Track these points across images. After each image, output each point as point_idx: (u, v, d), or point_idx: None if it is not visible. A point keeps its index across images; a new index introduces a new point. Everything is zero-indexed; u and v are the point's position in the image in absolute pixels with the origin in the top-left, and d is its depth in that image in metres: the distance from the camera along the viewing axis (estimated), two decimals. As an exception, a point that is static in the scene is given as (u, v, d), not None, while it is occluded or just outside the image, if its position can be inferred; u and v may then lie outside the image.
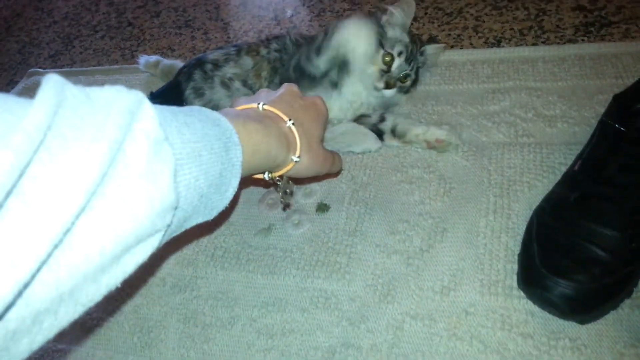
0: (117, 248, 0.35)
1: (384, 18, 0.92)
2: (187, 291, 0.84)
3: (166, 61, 1.25)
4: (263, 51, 0.98)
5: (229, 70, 0.97)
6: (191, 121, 0.46)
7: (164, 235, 0.41)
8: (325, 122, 0.71)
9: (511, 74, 0.98)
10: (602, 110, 0.79)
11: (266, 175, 0.63)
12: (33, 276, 0.30)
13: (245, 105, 0.62)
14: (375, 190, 0.88)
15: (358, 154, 0.93)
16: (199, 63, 0.99)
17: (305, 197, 0.90)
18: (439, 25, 1.16)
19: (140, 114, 0.37)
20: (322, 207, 0.88)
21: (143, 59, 1.26)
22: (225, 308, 0.80)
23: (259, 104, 0.62)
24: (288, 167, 0.63)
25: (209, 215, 0.51)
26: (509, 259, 0.73)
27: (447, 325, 0.69)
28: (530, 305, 0.68)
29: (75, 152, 0.32)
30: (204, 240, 0.89)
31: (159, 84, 1.17)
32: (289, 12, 1.36)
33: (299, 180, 0.84)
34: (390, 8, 0.92)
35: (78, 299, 0.35)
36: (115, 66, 1.39)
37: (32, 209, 0.30)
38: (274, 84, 0.96)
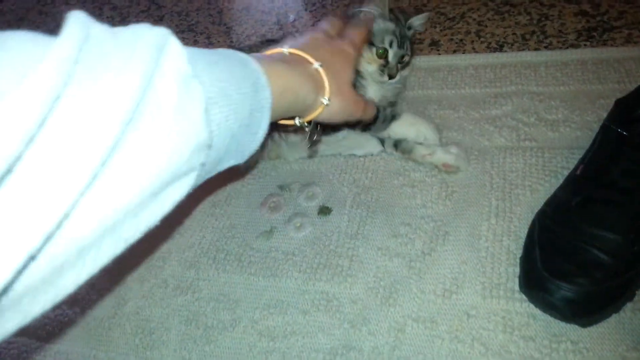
0: (154, 184, 0.35)
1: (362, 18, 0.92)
2: (189, 293, 0.84)
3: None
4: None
5: None
6: (218, 60, 0.45)
7: (198, 175, 0.41)
8: (354, 65, 0.68)
9: (513, 78, 0.98)
10: (605, 114, 0.79)
11: (297, 121, 0.60)
12: (73, 208, 0.30)
13: (272, 50, 0.60)
14: (377, 194, 0.88)
15: (360, 157, 0.93)
16: None
17: (307, 200, 0.90)
18: (441, 30, 1.17)
19: (168, 50, 0.37)
20: (324, 210, 0.88)
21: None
22: (227, 310, 0.80)
23: (284, 48, 0.60)
24: (318, 111, 0.60)
25: (242, 157, 0.50)
26: (510, 262, 0.73)
27: (449, 328, 0.69)
28: (532, 308, 0.68)
29: (105, 83, 0.32)
30: (206, 243, 0.90)
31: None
32: (291, 17, 1.37)
33: (333, 126, 0.83)
34: (364, 9, 0.90)
35: (120, 233, 0.35)
36: (119, 69, 1.39)
37: (69, 140, 0.30)
38: None
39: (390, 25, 0.89)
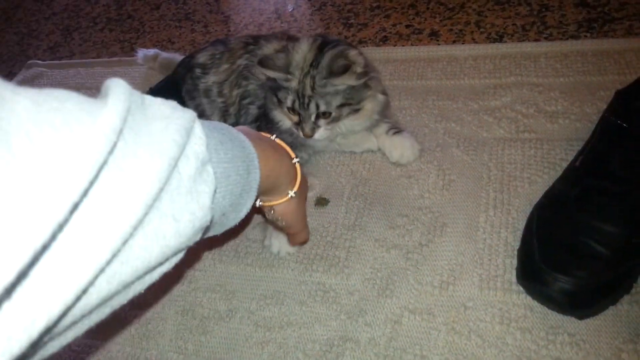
0: (158, 260, 0.37)
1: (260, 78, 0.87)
2: (185, 283, 0.84)
3: (165, 54, 1.24)
4: (238, 60, 0.94)
5: (211, 78, 0.96)
6: (224, 140, 0.48)
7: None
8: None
9: (513, 69, 0.97)
10: (604, 106, 0.79)
11: (257, 203, 0.63)
12: (90, 283, 0.32)
13: (264, 133, 0.64)
14: (375, 185, 0.87)
15: (359, 153, 0.93)
16: (189, 67, 0.98)
17: (304, 191, 0.89)
18: (440, 20, 1.16)
19: (193, 135, 0.39)
20: (321, 201, 0.87)
21: (141, 53, 1.25)
22: (223, 300, 0.79)
23: (273, 135, 0.64)
24: (283, 200, 0.63)
25: (219, 231, 0.53)
26: (508, 253, 0.73)
27: (446, 320, 0.69)
28: (529, 300, 0.68)
29: (138, 163, 0.34)
30: (203, 233, 0.89)
31: (157, 78, 1.17)
32: (290, 7, 1.36)
33: (272, 223, 0.76)
34: (255, 71, 0.87)
35: (112, 302, 0.37)
36: (115, 58, 1.38)
37: (98, 216, 0.31)
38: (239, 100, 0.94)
39: (292, 83, 0.80)
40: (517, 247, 0.72)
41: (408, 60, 1.07)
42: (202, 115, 0.96)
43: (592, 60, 0.94)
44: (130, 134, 0.34)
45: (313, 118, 0.81)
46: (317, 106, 0.80)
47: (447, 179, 0.84)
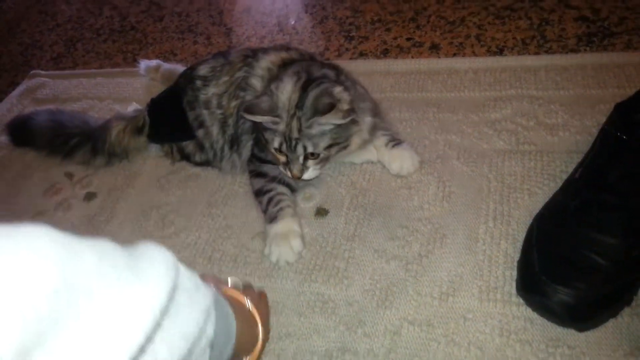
0: None
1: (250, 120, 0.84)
2: (183, 293, 0.83)
3: (167, 65, 1.25)
4: (237, 73, 0.94)
5: (211, 90, 0.96)
6: (220, 316, 0.48)
7: None
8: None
9: (513, 82, 0.98)
10: (604, 119, 0.79)
11: None
12: None
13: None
14: (375, 196, 0.87)
15: (359, 164, 0.93)
16: (190, 79, 0.98)
17: (304, 202, 0.89)
18: (441, 34, 1.16)
19: (210, 316, 0.42)
20: (321, 212, 0.87)
21: (143, 64, 1.26)
22: (222, 311, 0.79)
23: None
24: (258, 347, 0.62)
25: None
26: (508, 265, 0.72)
27: (445, 331, 0.68)
28: (529, 312, 0.67)
29: (170, 341, 0.36)
30: (202, 243, 0.89)
31: (159, 89, 1.17)
32: (292, 20, 1.37)
33: None
34: (243, 114, 0.83)
35: None
36: (117, 69, 1.39)
37: None
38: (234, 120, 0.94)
39: (279, 126, 0.79)
40: (517, 259, 0.72)
41: (409, 73, 1.08)
42: (201, 125, 0.96)
43: (592, 73, 0.95)
44: (173, 309, 0.37)
45: (301, 160, 0.80)
46: (305, 148, 0.79)
47: (447, 190, 0.84)
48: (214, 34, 1.42)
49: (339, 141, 0.81)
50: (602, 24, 1.05)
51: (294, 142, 0.79)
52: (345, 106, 0.78)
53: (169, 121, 1.00)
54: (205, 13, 1.51)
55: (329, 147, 0.80)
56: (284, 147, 0.80)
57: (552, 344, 0.64)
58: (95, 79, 1.35)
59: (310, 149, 0.79)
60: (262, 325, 0.63)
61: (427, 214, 0.82)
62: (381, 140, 0.89)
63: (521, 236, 0.74)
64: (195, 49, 1.38)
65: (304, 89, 0.79)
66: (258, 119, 0.80)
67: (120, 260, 0.34)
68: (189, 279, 0.42)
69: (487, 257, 0.74)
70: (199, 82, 0.97)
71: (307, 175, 0.82)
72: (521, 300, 0.68)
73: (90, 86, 1.33)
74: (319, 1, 1.39)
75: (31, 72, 1.45)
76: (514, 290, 0.69)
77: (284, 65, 0.89)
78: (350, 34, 1.25)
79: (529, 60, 1.01)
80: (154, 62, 1.26)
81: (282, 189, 0.87)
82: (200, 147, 0.98)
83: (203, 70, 0.98)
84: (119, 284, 0.33)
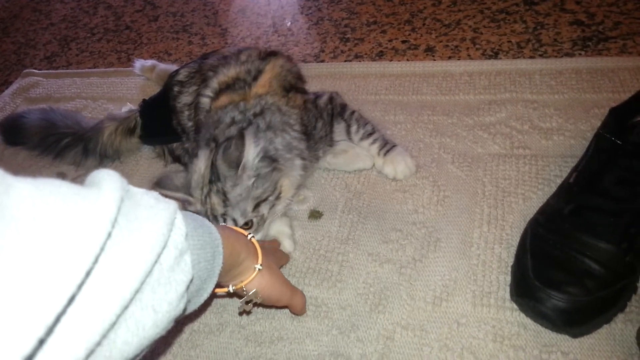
0: (135, 354, 0.38)
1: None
2: (175, 296, 0.82)
3: (162, 65, 1.24)
4: (196, 87, 0.93)
5: (183, 99, 0.95)
6: (197, 226, 0.49)
7: None
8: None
9: (508, 85, 0.98)
10: (599, 123, 0.79)
11: (231, 288, 0.62)
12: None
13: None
14: (369, 199, 0.87)
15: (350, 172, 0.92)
16: (171, 85, 0.98)
17: (298, 204, 0.89)
18: (436, 36, 1.16)
19: (174, 225, 0.41)
20: (315, 214, 0.87)
21: (138, 63, 1.25)
22: (214, 314, 0.78)
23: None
24: (251, 277, 0.62)
25: (180, 316, 0.52)
26: (502, 270, 0.72)
27: (438, 336, 0.68)
28: (522, 318, 0.67)
29: (128, 254, 0.35)
30: (195, 245, 0.88)
31: (154, 88, 1.17)
32: (287, 22, 1.36)
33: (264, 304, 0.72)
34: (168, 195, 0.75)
35: None
36: (111, 69, 1.38)
37: (90, 303, 0.32)
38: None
39: (197, 207, 0.76)
40: (511, 264, 0.72)
41: (404, 75, 1.07)
42: (183, 131, 0.95)
43: (587, 77, 0.95)
44: (123, 223, 0.36)
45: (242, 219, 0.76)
46: (235, 221, 0.75)
47: (441, 194, 0.84)
48: (209, 35, 1.41)
49: (267, 195, 0.76)
50: (597, 29, 1.05)
51: (221, 220, 0.75)
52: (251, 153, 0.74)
53: (160, 123, 0.99)
54: (200, 13, 1.51)
55: (257, 206, 0.76)
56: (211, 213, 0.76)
57: (545, 349, 0.64)
58: (89, 79, 1.34)
59: (241, 221, 0.75)
60: (264, 260, 0.64)
61: (421, 218, 0.82)
62: (373, 149, 0.89)
63: (515, 241, 0.74)
64: (190, 49, 1.37)
65: (215, 160, 0.74)
66: (170, 195, 0.74)
67: (64, 188, 0.34)
68: (144, 194, 0.41)
69: (481, 262, 0.74)
70: (176, 89, 0.96)
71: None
72: (515, 306, 0.68)
73: (84, 86, 1.32)
74: (315, 2, 1.39)
75: (24, 71, 1.44)
76: (507, 295, 0.69)
77: (227, 87, 0.87)
78: (346, 36, 1.25)
79: (524, 64, 1.01)
80: (149, 62, 1.25)
81: None
82: (187, 151, 0.98)
83: (181, 75, 0.97)
84: (60, 206, 0.32)
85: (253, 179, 0.75)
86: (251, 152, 0.73)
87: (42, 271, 0.29)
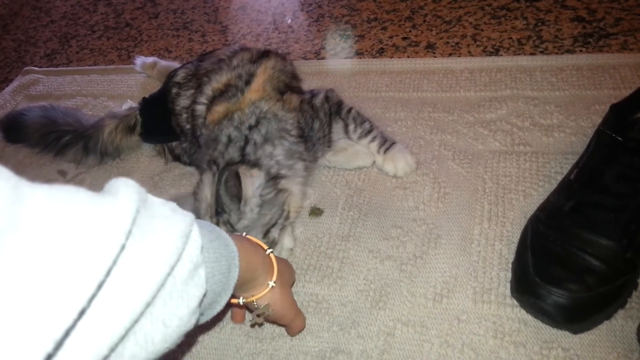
0: None
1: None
2: (176, 293, 0.82)
3: (163, 62, 1.24)
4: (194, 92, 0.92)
5: (182, 101, 0.94)
6: (213, 238, 0.48)
7: None
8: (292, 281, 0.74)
9: (509, 82, 0.98)
10: (599, 120, 0.79)
11: (241, 300, 0.63)
12: None
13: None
14: (370, 196, 0.87)
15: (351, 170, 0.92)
16: (170, 86, 0.97)
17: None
18: (437, 33, 1.16)
19: (190, 238, 0.41)
20: (316, 211, 0.87)
21: (139, 60, 1.25)
22: (215, 311, 0.78)
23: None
24: (264, 292, 0.63)
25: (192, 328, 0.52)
26: (502, 266, 0.72)
27: (439, 333, 0.68)
28: (523, 314, 0.67)
29: (141, 266, 0.35)
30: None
31: (154, 86, 1.17)
32: (288, 19, 1.36)
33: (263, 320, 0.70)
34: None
35: None
36: (111, 66, 1.38)
37: (96, 318, 0.32)
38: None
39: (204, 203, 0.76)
40: (512, 260, 0.72)
41: (404, 72, 1.07)
42: (182, 132, 0.95)
43: (588, 74, 0.94)
44: (138, 234, 0.35)
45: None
46: (233, 222, 0.74)
47: (442, 191, 0.84)
48: (209, 32, 1.41)
49: (275, 219, 0.77)
50: (598, 25, 1.05)
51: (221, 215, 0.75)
52: (255, 181, 0.75)
53: (160, 122, 0.99)
54: (201, 10, 1.51)
55: (267, 232, 0.76)
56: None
57: (546, 345, 0.64)
58: (89, 76, 1.34)
59: (259, 235, 0.75)
60: (278, 277, 0.64)
61: (422, 215, 0.82)
62: (373, 146, 0.89)
63: (516, 237, 0.74)
64: (191, 47, 1.37)
65: (218, 191, 0.74)
66: None
67: (78, 197, 0.34)
68: (161, 204, 0.41)
69: (481, 259, 0.74)
70: (174, 90, 0.95)
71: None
72: (515, 302, 0.68)
73: (85, 83, 1.32)
74: (315, -1, 1.39)
75: (25, 68, 1.44)
76: (508, 292, 0.69)
77: (220, 94, 0.86)
78: (346, 33, 1.25)
79: (525, 61, 1.01)
80: (150, 59, 1.25)
81: None
82: (186, 150, 0.97)
83: (179, 76, 0.97)
84: (74, 217, 0.32)
85: (258, 208, 0.75)
86: (249, 188, 0.74)
87: (54, 284, 0.29)
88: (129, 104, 1.15)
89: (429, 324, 0.69)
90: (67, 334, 0.30)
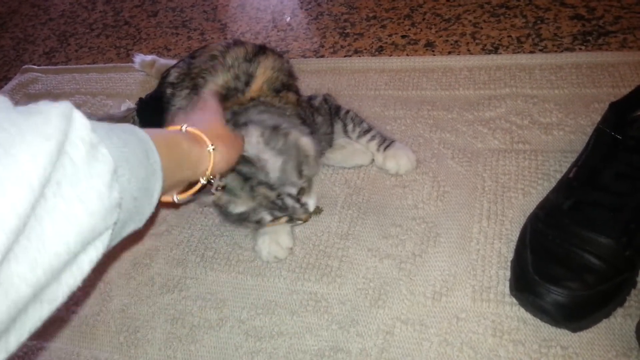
0: (78, 243, 0.38)
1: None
2: (175, 291, 0.83)
3: (162, 61, 1.24)
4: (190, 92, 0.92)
5: (177, 102, 0.93)
6: (113, 128, 0.48)
7: (111, 234, 0.43)
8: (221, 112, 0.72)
9: (508, 80, 0.97)
10: (598, 118, 0.78)
11: (202, 179, 0.62)
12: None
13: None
14: (369, 194, 0.87)
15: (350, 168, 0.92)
16: (164, 86, 0.96)
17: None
18: (436, 31, 1.16)
19: (74, 121, 0.40)
20: (315, 210, 0.86)
21: (139, 58, 1.25)
22: (214, 309, 0.79)
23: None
24: (211, 161, 0.62)
25: (140, 221, 0.52)
26: (501, 265, 0.72)
27: (438, 331, 0.68)
28: (522, 312, 0.67)
29: (23, 147, 0.35)
30: (194, 241, 0.88)
31: (153, 84, 1.16)
32: (287, 17, 1.36)
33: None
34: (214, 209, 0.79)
35: (43, 297, 0.37)
36: (110, 64, 1.38)
37: None
38: None
39: (251, 205, 0.75)
40: (511, 259, 0.72)
41: (403, 70, 1.07)
42: None
43: (587, 72, 0.94)
44: (10, 125, 0.35)
45: (297, 205, 0.77)
46: (291, 195, 0.76)
47: (441, 189, 0.84)
48: (208, 30, 1.41)
49: (298, 158, 0.78)
50: (597, 23, 1.05)
51: (279, 203, 0.75)
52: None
53: (156, 123, 0.98)
54: (199, 8, 1.50)
55: (300, 172, 0.77)
56: (276, 214, 0.77)
57: (545, 344, 0.64)
58: (88, 74, 1.34)
59: (295, 191, 0.76)
60: (210, 138, 0.62)
61: (421, 213, 0.82)
62: (372, 145, 0.89)
63: (515, 236, 0.74)
64: (189, 45, 1.37)
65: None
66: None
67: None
68: (37, 104, 0.41)
69: (480, 257, 0.74)
70: (169, 91, 0.94)
71: (312, 206, 0.80)
72: (514, 300, 0.68)
73: (83, 81, 1.32)
74: (314, -3, 1.38)
75: (23, 66, 1.44)
76: (507, 290, 0.69)
77: (220, 97, 0.85)
78: (345, 31, 1.24)
79: (524, 59, 1.00)
80: (149, 57, 1.25)
81: None
82: None
83: (172, 76, 0.96)
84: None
85: (277, 157, 0.75)
86: (252, 142, 0.73)
87: None
88: (127, 104, 1.14)
89: (428, 322, 0.69)
90: None
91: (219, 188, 0.66)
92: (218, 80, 0.88)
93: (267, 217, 0.76)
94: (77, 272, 0.39)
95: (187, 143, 0.60)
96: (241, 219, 0.77)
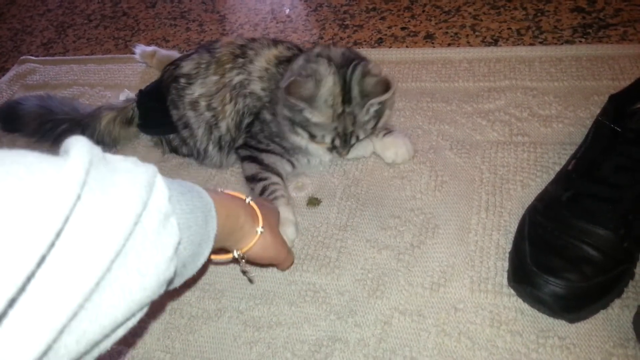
0: (125, 318, 0.37)
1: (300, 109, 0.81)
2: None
3: (163, 52, 1.23)
4: (229, 74, 0.91)
5: (197, 90, 0.92)
6: (184, 191, 0.48)
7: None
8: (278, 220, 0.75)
9: (507, 73, 0.97)
10: (598, 111, 0.79)
11: (235, 254, 0.64)
12: (54, 340, 0.32)
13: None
14: (367, 185, 0.87)
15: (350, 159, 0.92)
16: (174, 77, 0.95)
17: (296, 191, 0.89)
18: (436, 23, 1.16)
19: (155, 189, 0.40)
20: (313, 201, 0.87)
21: (139, 49, 1.24)
22: (212, 300, 0.79)
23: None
24: (254, 240, 0.64)
25: (179, 282, 0.52)
26: (499, 256, 0.72)
27: (436, 321, 0.68)
28: (519, 303, 0.67)
29: (104, 218, 0.34)
30: (193, 231, 0.88)
31: (152, 75, 1.16)
32: (286, 9, 1.35)
33: (258, 263, 0.75)
34: (296, 103, 0.79)
35: (92, 353, 0.37)
36: (108, 55, 1.37)
37: (62, 270, 0.32)
38: (237, 115, 0.91)
39: (327, 122, 0.80)
40: (509, 250, 0.72)
41: (403, 62, 1.07)
42: (186, 126, 0.94)
43: (587, 65, 0.94)
44: (96, 186, 0.35)
45: (349, 146, 0.84)
46: (358, 137, 0.83)
47: (439, 180, 0.84)
48: (207, 21, 1.40)
49: (380, 117, 0.84)
50: (597, 16, 1.05)
51: (348, 137, 0.82)
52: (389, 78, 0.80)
53: (157, 115, 0.98)
54: (198, 0, 1.50)
55: (374, 127, 0.84)
56: (337, 142, 0.83)
57: (542, 334, 0.64)
58: (86, 65, 1.33)
59: (362, 136, 0.83)
60: (264, 221, 0.65)
61: (419, 204, 0.82)
62: None
63: (513, 227, 0.74)
64: (188, 36, 1.37)
65: (344, 80, 0.80)
66: (293, 101, 0.78)
67: (31, 158, 0.33)
68: (122, 160, 0.41)
69: (478, 248, 0.74)
70: (182, 81, 0.94)
71: (352, 154, 0.87)
72: (512, 291, 0.68)
73: (81, 72, 1.32)
74: (314, -11, 1.38)
75: (21, 57, 1.43)
76: (505, 281, 0.69)
77: (279, 63, 0.88)
78: (345, 23, 1.24)
79: (524, 51, 1.00)
80: (150, 48, 1.24)
81: (275, 178, 0.86)
82: (185, 143, 0.97)
83: (187, 67, 0.95)
84: (31, 175, 0.32)
85: (377, 106, 0.81)
86: (389, 94, 0.79)
87: (9, 234, 0.29)
88: (126, 93, 1.14)
89: (426, 312, 0.69)
90: (28, 280, 0.29)
91: (243, 268, 0.69)
92: (266, 57, 0.90)
93: (328, 141, 0.82)
94: (114, 338, 0.39)
95: (245, 217, 0.62)
96: (304, 125, 0.82)
